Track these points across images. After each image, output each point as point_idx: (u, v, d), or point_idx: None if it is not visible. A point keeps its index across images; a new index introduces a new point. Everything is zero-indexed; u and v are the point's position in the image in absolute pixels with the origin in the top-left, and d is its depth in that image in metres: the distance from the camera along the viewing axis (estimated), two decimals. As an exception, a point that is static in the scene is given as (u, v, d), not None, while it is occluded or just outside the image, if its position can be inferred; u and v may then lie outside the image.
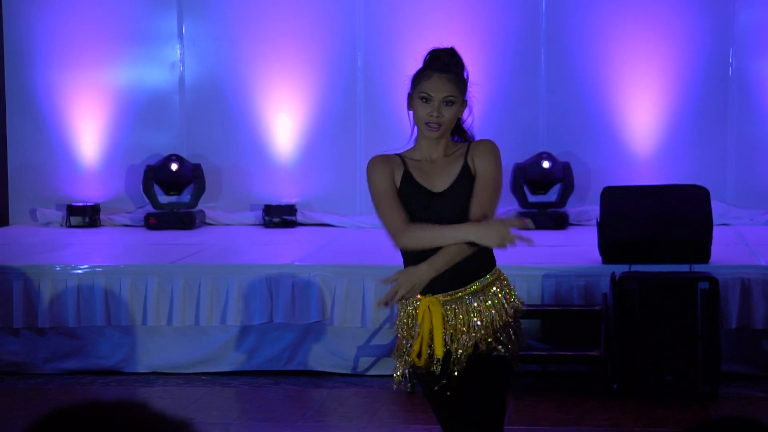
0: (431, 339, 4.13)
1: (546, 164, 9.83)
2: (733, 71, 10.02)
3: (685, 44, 10.02)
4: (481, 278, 4.15)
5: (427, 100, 4.08)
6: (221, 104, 10.51)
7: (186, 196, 10.34)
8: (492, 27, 10.24)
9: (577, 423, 6.71)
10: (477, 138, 4.27)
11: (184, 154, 10.40)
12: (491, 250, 4.14)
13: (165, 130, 10.61)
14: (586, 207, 9.89)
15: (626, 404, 7.03)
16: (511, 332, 4.19)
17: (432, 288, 4.12)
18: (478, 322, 4.11)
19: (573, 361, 7.52)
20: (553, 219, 9.73)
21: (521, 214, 9.84)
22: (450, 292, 4.14)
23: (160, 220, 10.13)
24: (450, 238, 4.00)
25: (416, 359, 4.16)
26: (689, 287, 7.11)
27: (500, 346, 4.14)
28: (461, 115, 4.17)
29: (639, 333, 7.13)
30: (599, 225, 7.85)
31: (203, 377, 7.91)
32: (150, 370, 8.03)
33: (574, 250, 8.48)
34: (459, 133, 4.28)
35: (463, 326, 4.13)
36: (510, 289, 4.23)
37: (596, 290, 7.60)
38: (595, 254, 7.90)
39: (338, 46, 10.40)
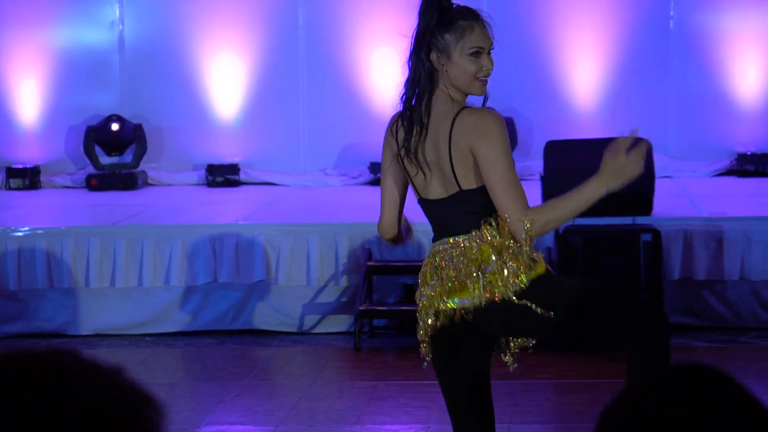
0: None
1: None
2: (674, 24, 10.04)
3: (626, -2, 10.03)
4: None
5: (479, 53, 3.72)
6: (162, 64, 10.40)
7: (128, 157, 10.24)
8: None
9: (522, 377, 6.73)
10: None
11: (125, 115, 10.29)
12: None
13: (105, 91, 10.49)
14: (530, 162, 9.89)
15: (571, 357, 7.06)
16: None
17: None
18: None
19: (518, 315, 7.53)
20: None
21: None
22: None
23: (101, 182, 10.03)
24: (583, 206, 3.74)
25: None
26: (632, 239, 7.15)
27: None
28: None
29: (583, 286, 7.14)
30: (543, 179, 7.86)
31: (147, 338, 7.87)
32: (94, 332, 7.97)
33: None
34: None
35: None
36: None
37: (540, 244, 7.61)
38: (538, 208, 7.90)
39: (279, 3, 10.31)
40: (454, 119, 3.69)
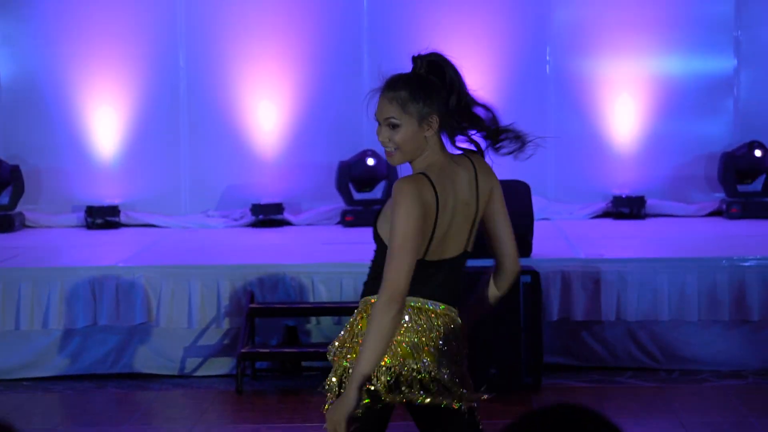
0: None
1: (371, 162, 9.90)
2: (550, 69, 10.24)
3: (504, 43, 10.21)
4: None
5: (378, 123, 3.67)
6: (39, 104, 10.28)
7: (4, 199, 10.07)
8: (315, 26, 10.25)
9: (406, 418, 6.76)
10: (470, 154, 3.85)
11: (0, 156, 10.13)
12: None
13: (-20, 131, 10.33)
14: (411, 204, 9.97)
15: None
16: None
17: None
18: None
19: (400, 356, 7.56)
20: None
21: (346, 212, 9.89)
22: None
23: (-24, 223, 9.84)
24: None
25: None
26: (512, 281, 7.22)
27: None
28: (428, 133, 3.64)
29: (464, 327, 7.21)
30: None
31: (25, 383, 7.72)
32: (-32, 377, 7.79)
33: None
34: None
35: None
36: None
37: (422, 286, 7.67)
38: (420, 250, 7.96)
39: (160, 44, 10.28)
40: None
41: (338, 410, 3.53)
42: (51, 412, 7.30)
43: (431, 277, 3.64)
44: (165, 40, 10.27)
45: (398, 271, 3.49)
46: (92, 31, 10.21)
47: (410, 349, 3.59)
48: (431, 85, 3.69)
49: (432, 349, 3.61)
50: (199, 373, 7.81)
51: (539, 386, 7.25)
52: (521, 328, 7.21)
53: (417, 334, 3.62)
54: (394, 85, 3.66)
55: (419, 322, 3.63)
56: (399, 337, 3.60)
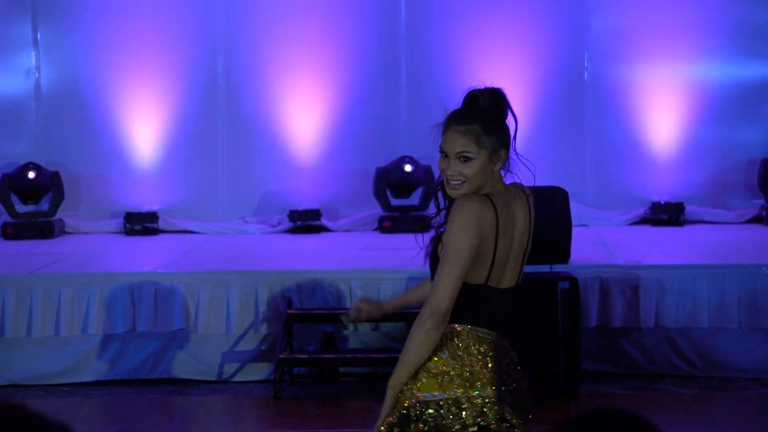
0: None
1: (408, 168, 9.90)
2: (588, 76, 10.22)
3: (542, 50, 10.19)
4: None
5: (445, 155, 3.63)
6: (79, 111, 10.34)
7: (44, 205, 10.14)
8: (352, 32, 10.28)
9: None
10: (525, 184, 3.87)
11: (41, 162, 10.20)
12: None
13: (21, 138, 10.41)
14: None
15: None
16: None
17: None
18: None
19: (438, 362, 7.56)
20: (416, 221, 9.80)
21: (384, 218, 9.90)
22: None
23: (17, 230, 9.91)
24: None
25: None
26: (550, 287, 7.22)
27: None
28: (496, 167, 3.63)
29: (502, 333, 7.20)
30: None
31: (64, 388, 7.77)
32: (9, 382, 7.84)
33: (437, 252, 8.54)
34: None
35: None
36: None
37: (459, 292, 7.66)
38: (457, 256, 7.95)
39: (198, 51, 10.33)
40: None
41: (380, 417, 3.62)
42: (90, 418, 7.34)
43: (488, 305, 3.62)
44: (203, 47, 10.32)
45: (445, 287, 3.48)
46: (132, 39, 10.27)
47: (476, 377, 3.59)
48: (500, 119, 3.67)
49: (490, 376, 3.59)
50: (237, 379, 7.83)
51: (578, 393, 7.22)
52: (560, 334, 7.19)
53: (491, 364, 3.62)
54: (466, 118, 3.63)
55: (482, 350, 3.62)
56: (477, 368, 3.59)
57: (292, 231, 10.08)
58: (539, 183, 9.84)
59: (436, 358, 3.58)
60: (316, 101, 10.25)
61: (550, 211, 7.93)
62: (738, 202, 10.16)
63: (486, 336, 3.62)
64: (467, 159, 3.58)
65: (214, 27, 10.30)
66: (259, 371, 7.82)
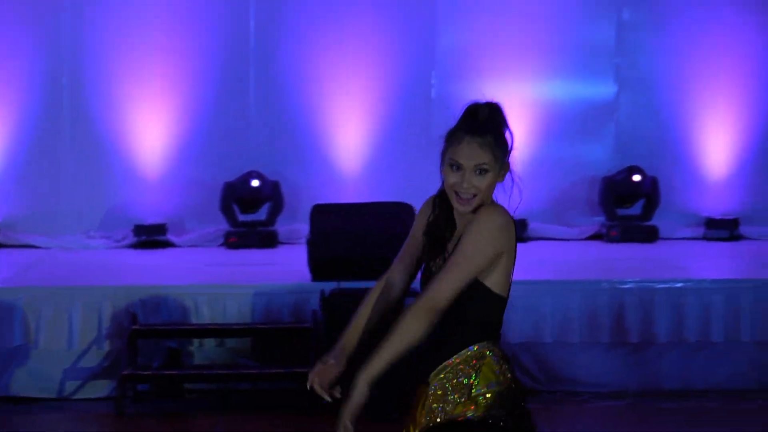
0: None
1: (256, 183, 9.85)
2: (434, 92, 10.31)
3: (390, 66, 10.25)
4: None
5: (457, 167, 3.48)
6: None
7: None
8: (200, 43, 10.18)
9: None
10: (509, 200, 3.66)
11: None
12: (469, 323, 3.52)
13: None
14: (296, 225, 9.96)
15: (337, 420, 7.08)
16: None
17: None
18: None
19: (283, 378, 7.54)
20: (263, 238, 9.77)
21: (230, 233, 9.82)
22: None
23: None
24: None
25: None
26: (398, 303, 7.24)
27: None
28: (501, 180, 3.53)
29: (348, 349, 7.20)
30: (309, 243, 7.92)
31: None
32: None
33: (284, 268, 8.53)
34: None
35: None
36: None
37: (306, 307, 7.66)
38: (305, 272, 7.96)
39: (41, 59, 10.10)
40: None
41: (347, 409, 3.47)
42: (-76, 437, 7.11)
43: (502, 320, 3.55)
44: (48, 55, 10.09)
45: (450, 286, 3.38)
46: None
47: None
48: (504, 132, 3.59)
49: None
50: (78, 396, 7.67)
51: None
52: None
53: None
54: (480, 130, 3.51)
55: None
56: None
57: (136, 246, 9.93)
58: (386, 198, 9.89)
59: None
60: (164, 114, 10.13)
61: (396, 227, 7.97)
62: (580, 219, 10.36)
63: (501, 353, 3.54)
64: (484, 171, 3.48)
65: (60, 33, 10.09)
66: (101, 388, 7.68)
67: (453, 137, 3.50)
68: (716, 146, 10.30)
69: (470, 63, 10.29)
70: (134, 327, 7.47)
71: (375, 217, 8.04)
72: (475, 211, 3.48)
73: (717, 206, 10.29)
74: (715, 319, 7.73)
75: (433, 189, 10.84)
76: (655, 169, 10.14)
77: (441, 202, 3.58)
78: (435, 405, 3.47)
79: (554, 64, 10.35)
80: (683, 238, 10.14)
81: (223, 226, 9.98)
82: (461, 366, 3.46)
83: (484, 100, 3.57)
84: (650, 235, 9.92)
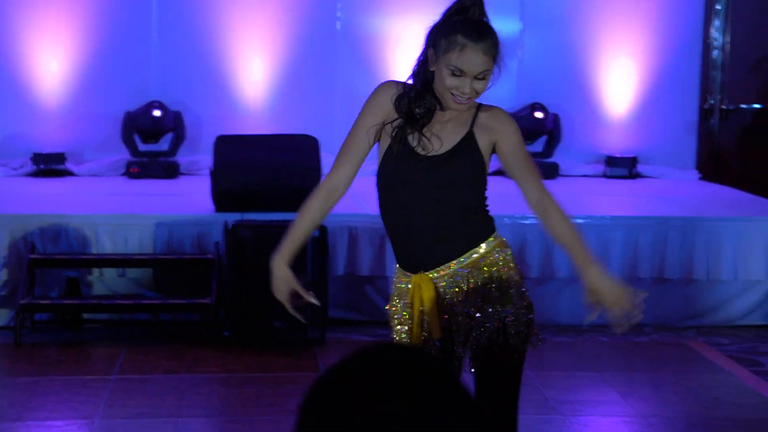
0: (424, 321, 3.64)
1: (157, 113, 9.74)
2: (341, 25, 10.26)
3: (295, -2, 10.17)
4: (472, 248, 3.65)
5: (458, 73, 3.48)
6: None
7: None
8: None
9: (189, 370, 6.73)
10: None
11: None
12: (484, 213, 3.70)
13: None
14: (198, 156, 9.89)
15: (238, 351, 7.11)
16: (515, 302, 3.68)
17: (421, 263, 3.65)
18: (475, 297, 3.63)
19: (185, 309, 7.52)
20: (165, 168, 9.68)
21: (131, 163, 9.71)
22: (441, 267, 3.65)
23: None
24: None
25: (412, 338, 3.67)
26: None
27: (506, 317, 3.64)
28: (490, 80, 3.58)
29: (251, 281, 7.21)
30: (212, 174, 7.87)
31: None
32: None
33: (187, 199, 8.46)
34: None
35: (459, 303, 3.63)
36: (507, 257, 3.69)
37: (209, 239, 7.63)
38: (208, 203, 7.91)
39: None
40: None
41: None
42: None
43: None
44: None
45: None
46: None
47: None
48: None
49: None
50: (-25, 326, 7.57)
51: (324, 340, 7.30)
52: (308, 282, 7.24)
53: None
54: (482, 34, 3.50)
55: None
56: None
57: (35, 174, 9.78)
58: (290, 131, 9.87)
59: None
60: (64, 43, 9.94)
61: (301, 159, 7.96)
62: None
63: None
64: (486, 75, 3.51)
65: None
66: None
67: (451, 42, 3.48)
68: (618, 86, 10.41)
69: (376, -4, 10.25)
70: (32, 256, 7.37)
71: (280, 150, 8.01)
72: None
73: (617, 144, 10.43)
74: (614, 255, 7.86)
75: (340, 122, 10.77)
76: (557, 107, 10.22)
77: (422, 87, 3.57)
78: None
79: (460, -1, 10.33)
80: (584, 176, 10.26)
81: (125, 155, 9.87)
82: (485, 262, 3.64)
83: None
84: (551, 172, 10.02)
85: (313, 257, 7.24)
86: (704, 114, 11.16)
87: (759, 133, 11.48)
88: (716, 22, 11.05)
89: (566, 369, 6.91)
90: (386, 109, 3.63)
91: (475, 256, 3.63)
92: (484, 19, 3.55)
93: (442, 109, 3.61)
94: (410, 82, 3.61)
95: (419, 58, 3.61)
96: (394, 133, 3.61)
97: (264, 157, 7.92)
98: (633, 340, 7.61)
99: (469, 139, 3.61)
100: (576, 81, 10.40)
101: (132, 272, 7.68)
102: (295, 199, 7.65)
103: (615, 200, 9.05)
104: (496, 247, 3.66)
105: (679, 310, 8.00)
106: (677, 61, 10.45)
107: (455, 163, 3.58)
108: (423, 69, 3.58)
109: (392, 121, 3.61)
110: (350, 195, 9.00)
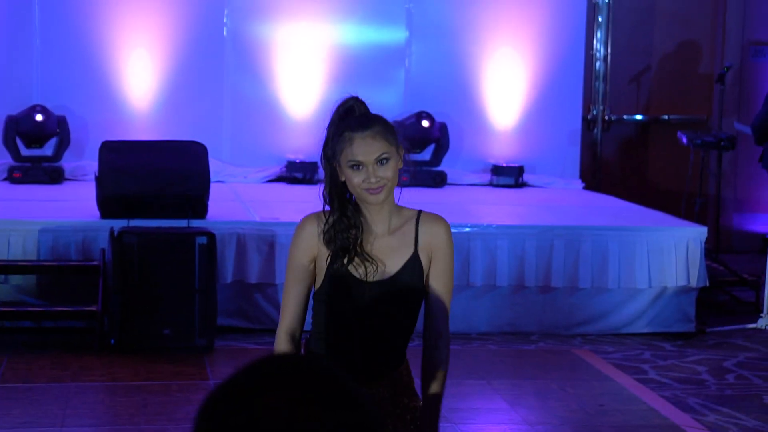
0: None
1: (40, 117, 9.57)
2: (228, 31, 10.20)
3: (181, 2, 10.08)
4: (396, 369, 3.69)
5: (357, 167, 3.42)
6: None
7: None
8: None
9: (74, 378, 6.63)
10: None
11: None
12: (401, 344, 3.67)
13: None
14: (83, 162, 9.75)
15: (125, 359, 7.02)
16: None
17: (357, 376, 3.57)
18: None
19: (70, 317, 7.41)
20: (49, 173, 9.53)
21: (14, 168, 9.54)
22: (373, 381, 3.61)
23: None
24: None
25: None
26: (187, 242, 7.20)
27: None
28: (401, 163, 3.49)
29: (137, 288, 7.13)
30: (97, 179, 7.77)
31: None
32: None
33: (72, 204, 8.33)
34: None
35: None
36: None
37: (94, 245, 7.53)
38: (93, 209, 7.81)
39: None
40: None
41: None
42: None
43: None
44: None
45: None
46: None
47: None
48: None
49: None
50: None
51: (212, 348, 7.26)
52: (196, 289, 7.19)
53: None
54: (366, 123, 3.45)
55: None
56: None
57: None
58: (179, 137, 9.81)
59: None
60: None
61: (189, 165, 7.90)
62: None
63: None
64: (386, 160, 3.43)
65: None
66: None
67: (341, 140, 3.44)
68: (504, 95, 10.53)
69: (263, 2, 10.21)
70: None
71: (166, 155, 7.95)
72: (421, 217, 3.57)
73: (504, 154, 10.54)
74: (500, 264, 7.94)
75: (227, 130, 10.76)
76: (444, 116, 10.29)
77: (340, 205, 3.50)
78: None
79: (346, 8, 10.36)
80: (471, 184, 10.36)
81: (7, 160, 9.68)
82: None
83: (343, 97, 3.53)
84: (439, 180, 10.09)
85: (201, 264, 7.19)
86: (587, 124, 11.35)
87: (640, 143, 11.73)
88: (598, 34, 11.25)
89: (455, 377, 6.94)
90: (314, 245, 3.53)
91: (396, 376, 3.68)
92: (368, 112, 3.53)
93: (369, 218, 3.54)
94: (327, 209, 3.53)
95: (324, 179, 3.54)
96: (330, 262, 3.51)
97: (150, 162, 7.84)
98: (520, 348, 7.70)
99: (414, 261, 3.55)
100: (463, 90, 10.50)
101: (15, 279, 7.54)
102: (183, 206, 7.64)
103: (501, 209, 9.15)
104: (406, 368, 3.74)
105: (565, 318, 8.12)
106: (562, 72, 10.60)
107: (399, 286, 3.54)
108: (332, 185, 3.50)
109: (327, 257, 3.51)
110: (238, 201, 9.03)
